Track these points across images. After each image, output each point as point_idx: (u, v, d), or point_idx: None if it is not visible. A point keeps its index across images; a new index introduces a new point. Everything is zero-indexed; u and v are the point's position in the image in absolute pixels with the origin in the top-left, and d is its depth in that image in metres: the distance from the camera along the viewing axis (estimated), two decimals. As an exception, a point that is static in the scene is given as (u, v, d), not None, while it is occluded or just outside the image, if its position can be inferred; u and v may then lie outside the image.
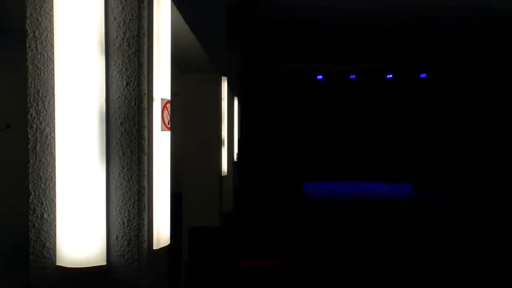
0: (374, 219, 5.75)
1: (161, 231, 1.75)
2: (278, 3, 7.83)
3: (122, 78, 1.58)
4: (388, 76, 13.16)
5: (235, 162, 8.28)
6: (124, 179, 1.59)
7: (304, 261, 2.16)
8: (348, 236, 3.84)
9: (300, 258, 2.54)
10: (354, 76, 13.18)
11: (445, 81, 13.15)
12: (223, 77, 4.50)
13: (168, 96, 1.81)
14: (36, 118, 1.56)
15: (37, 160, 1.57)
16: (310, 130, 13.54)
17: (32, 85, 1.56)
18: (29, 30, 1.55)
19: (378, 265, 2.34)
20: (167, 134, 1.81)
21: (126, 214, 1.59)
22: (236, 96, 7.37)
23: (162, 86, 1.75)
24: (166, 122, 1.79)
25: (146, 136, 1.65)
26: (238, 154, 8.68)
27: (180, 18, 2.40)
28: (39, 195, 1.58)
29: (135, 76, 1.58)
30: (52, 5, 1.52)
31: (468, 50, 10.25)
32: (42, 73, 1.55)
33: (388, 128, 14.12)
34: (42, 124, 1.56)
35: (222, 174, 4.62)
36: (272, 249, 2.84)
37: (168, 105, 1.81)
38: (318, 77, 12.85)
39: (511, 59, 10.61)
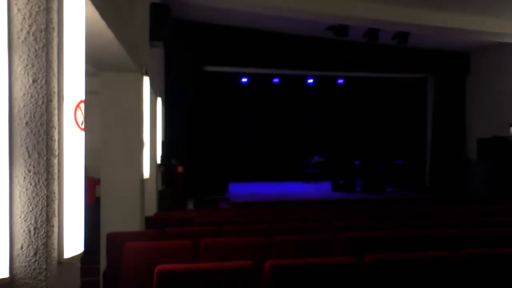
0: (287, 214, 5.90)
1: (74, 239, 1.65)
2: (202, 6, 7.81)
3: (27, 74, 1.46)
4: (308, 81, 13.75)
5: (159, 164, 8.07)
6: (31, 184, 1.47)
7: (214, 263, 2.17)
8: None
9: (215, 260, 2.57)
10: (277, 80, 13.57)
11: (360, 87, 14.09)
12: (145, 77, 4.36)
13: (81, 95, 1.71)
14: None
15: None
16: (235, 132, 13.67)
17: None
18: None
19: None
20: (81, 135, 1.72)
21: (32, 222, 1.48)
22: (160, 96, 7.19)
23: (74, 84, 1.65)
24: (79, 122, 1.69)
25: (56, 137, 1.54)
26: (162, 156, 8.47)
27: (95, 13, 2.29)
28: None
29: (43, 73, 1.47)
30: None
31: (379, 60, 11.10)
32: None
33: (309, 131, 14.76)
34: None
35: (144, 177, 4.48)
36: (186, 251, 2.83)
37: (82, 105, 1.71)
38: (243, 79, 13.03)
39: (415, 69, 11.72)
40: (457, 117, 11.75)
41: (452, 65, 11.62)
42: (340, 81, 13.84)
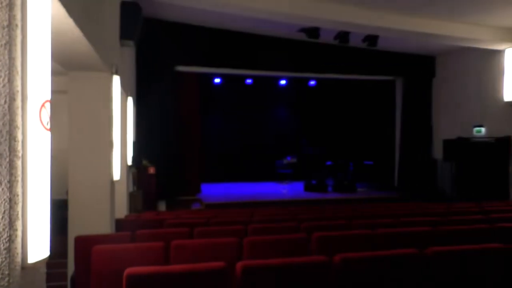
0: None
1: (39, 242, 1.59)
2: (174, 5, 7.72)
3: (-11, 72, 1.40)
4: (281, 83, 13.85)
5: (130, 165, 7.92)
6: (-8, 186, 1.41)
7: (185, 265, 2.15)
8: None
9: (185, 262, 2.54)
10: (251, 81, 13.59)
11: (331, 89, 14.32)
12: (114, 76, 4.27)
13: (47, 94, 1.66)
14: None
15: None
16: (208, 132, 13.60)
17: None
18: None
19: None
20: (46, 135, 1.66)
21: (-6, 226, 1.42)
22: (130, 96, 7.06)
23: (39, 83, 1.60)
24: (45, 122, 1.64)
25: (19, 138, 1.49)
26: (133, 157, 8.32)
27: (62, 10, 2.23)
28: None
29: (5, 71, 1.42)
30: None
31: (349, 62, 11.30)
32: None
33: (282, 132, 14.86)
34: None
35: (114, 179, 4.38)
36: (157, 254, 2.80)
37: (47, 104, 1.66)
38: (216, 80, 12.97)
39: (384, 72, 12.02)
40: (424, 118, 12.12)
41: (419, 68, 11.98)
42: (312, 82, 14.01)
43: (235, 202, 9.72)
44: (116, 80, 4.31)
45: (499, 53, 9.73)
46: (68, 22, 2.47)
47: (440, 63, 11.92)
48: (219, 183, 13.53)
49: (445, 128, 11.56)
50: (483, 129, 10.22)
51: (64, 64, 3.94)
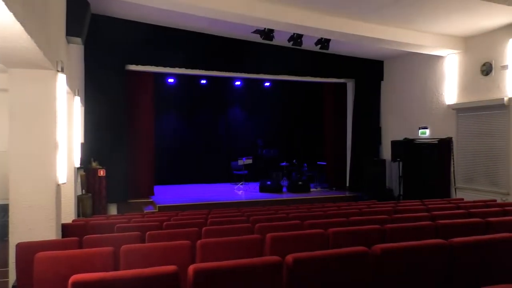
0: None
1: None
2: (124, 2, 7.50)
3: None
4: (236, 83, 13.88)
5: (78, 168, 7.61)
6: None
7: (135, 270, 2.08)
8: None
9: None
10: (205, 82, 13.50)
11: (286, 90, 14.52)
12: (60, 74, 4.06)
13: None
14: None
15: None
16: (162, 133, 13.33)
17: None
18: None
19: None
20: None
21: None
22: (78, 95, 6.76)
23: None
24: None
25: None
26: (82, 159, 7.99)
27: (1, 4, 2.09)
28: None
29: None
30: None
31: (303, 64, 11.52)
32: None
33: (237, 133, 14.88)
34: None
35: (59, 182, 4.17)
36: (106, 260, 2.70)
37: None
38: (169, 80, 12.76)
39: (336, 74, 12.37)
40: (373, 120, 12.60)
41: (369, 72, 12.44)
42: (267, 84, 14.15)
43: (189, 204, 9.60)
44: (62, 78, 4.10)
45: (442, 59, 10.33)
46: (7, 17, 2.32)
47: (388, 67, 12.46)
48: (173, 185, 13.31)
49: (393, 129, 12.09)
50: (427, 131, 10.79)
51: (4, 61, 3.71)
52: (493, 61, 8.89)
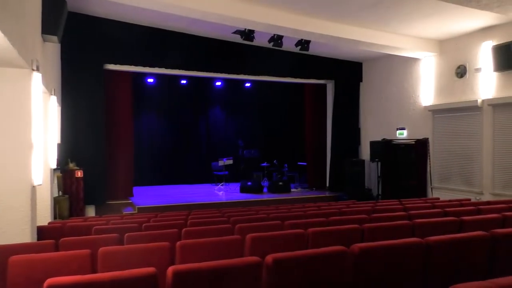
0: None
1: None
2: (102, 0, 7.39)
3: None
4: (217, 84, 13.83)
5: (54, 169, 7.44)
6: None
7: (112, 272, 2.05)
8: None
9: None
10: (185, 82, 13.41)
11: (267, 91, 14.55)
12: (35, 73, 3.96)
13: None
14: None
15: None
16: (141, 133, 13.19)
17: None
18: None
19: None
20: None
21: None
22: (54, 95, 6.61)
23: None
24: None
25: None
26: (58, 160, 7.81)
27: (-28, -1, 2.02)
28: None
29: None
30: None
31: (283, 65, 11.57)
32: None
33: (218, 133, 14.83)
34: None
35: (35, 183, 4.07)
36: (83, 263, 2.65)
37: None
38: (149, 80, 12.62)
39: (316, 76, 12.48)
40: (352, 121, 12.77)
41: (348, 73, 12.61)
42: (248, 84, 14.15)
43: (169, 205, 9.51)
44: (37, 77, 4.01)
45: (418, 61, 10.55)
46: (-21, 13, 2.25)
47: (367, 68, 12.65)
48: (152, 186, 13.16)
49: (372, 130, 12.28)
50: (405, 132, 11.00)
51: (-24, 59, 3.59)
52: (467, 64, 9.14)
